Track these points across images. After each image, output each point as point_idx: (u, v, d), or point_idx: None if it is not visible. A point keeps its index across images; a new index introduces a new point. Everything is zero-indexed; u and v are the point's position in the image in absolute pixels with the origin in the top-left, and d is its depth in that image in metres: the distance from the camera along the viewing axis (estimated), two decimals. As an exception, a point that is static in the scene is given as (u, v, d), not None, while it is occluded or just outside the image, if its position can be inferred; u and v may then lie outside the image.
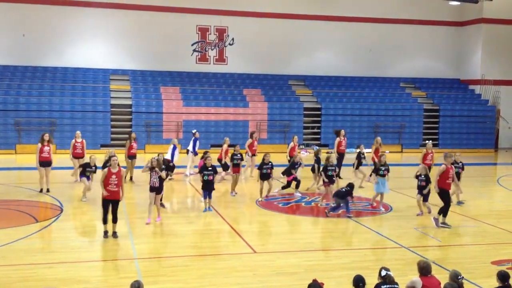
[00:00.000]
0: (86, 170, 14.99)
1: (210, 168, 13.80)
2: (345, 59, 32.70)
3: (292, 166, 16.20)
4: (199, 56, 30.93)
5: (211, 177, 13.73)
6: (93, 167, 15.03)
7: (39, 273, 8.97)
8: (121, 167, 11.32)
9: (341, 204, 13.56)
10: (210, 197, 13.96)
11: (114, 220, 11.18)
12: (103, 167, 14.40)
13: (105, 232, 11.19)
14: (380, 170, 14.37)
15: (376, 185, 14.55)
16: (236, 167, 16.23)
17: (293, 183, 16.09)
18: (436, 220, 12.57)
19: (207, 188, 13.85)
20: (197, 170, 17.62)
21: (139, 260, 9.82)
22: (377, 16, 32.34)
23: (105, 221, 11.17)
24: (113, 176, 11.03)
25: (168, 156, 17.95)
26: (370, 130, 29.70)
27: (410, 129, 30.68)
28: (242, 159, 16.82)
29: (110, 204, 11.12)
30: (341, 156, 18.50)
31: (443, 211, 12.55)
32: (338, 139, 18.66)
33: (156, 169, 12.57)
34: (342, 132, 18.90)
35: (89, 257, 10.23)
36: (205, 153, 14.96)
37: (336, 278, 9.04)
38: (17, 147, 25.54)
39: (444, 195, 12.49)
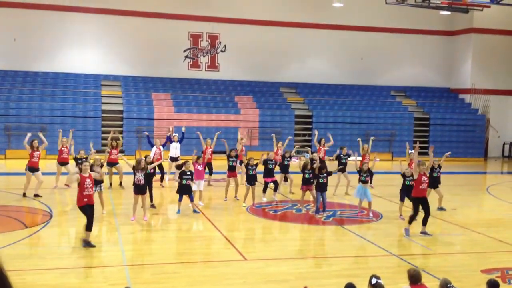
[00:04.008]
0: (77, 163, 14.86)
1: (188, 173, 14.06)
2: (337, 67, 32.86)
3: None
4: (191, 62, 30.94)
5: (189, 181, 14.03)
6: (84, 159, 14.64)
7: (28, 280, 8.89)
8: (91, 173, 11.26)
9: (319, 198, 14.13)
10: (192, 200, 14.23)
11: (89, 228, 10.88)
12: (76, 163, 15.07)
13: (89, 242, 10.85)
14: (361, 176, 14.52)
15: (356, 191, 14.75)
16: (232, 171, 16.25)
17: (271, 185, 16.24)
18: (406, 230, 12.59)
19: (185, 191, 14.08)
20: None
21: (129, 267, 9.77)
22: (369, 24, 32.56)
23: (88, 228, 10.85)
24: (88, 180, 10.95)
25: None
26: (361, 138, 29.68)
27: (401, 137, 30.77)
28: (236, 162, 16.84)
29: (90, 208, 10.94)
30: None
31: (412, 220, 12.57)
32: (318, 146, 19.15)
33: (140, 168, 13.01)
34: (322, 140, 19.25)
35: (78, 264, 10.16)
36: (198, 157, 15.16)
37: (327, 286, 9.04)
38: (7, 152, 25.37)
39: (415, 202, 12.54)
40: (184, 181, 13.99)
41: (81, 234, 11.62)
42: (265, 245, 11.97)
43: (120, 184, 17.72)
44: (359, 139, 19.26)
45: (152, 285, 8.92)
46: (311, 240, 12.66)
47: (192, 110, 28.47)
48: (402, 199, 14.30)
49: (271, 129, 29.03)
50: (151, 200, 14.61)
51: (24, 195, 15.70)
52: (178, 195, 14.24)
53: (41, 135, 17.00)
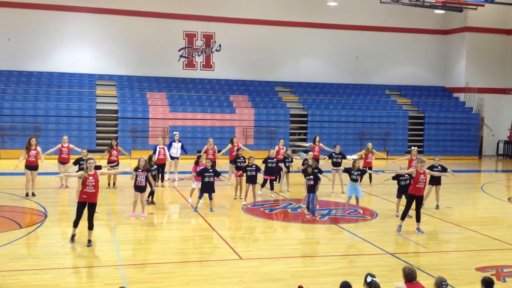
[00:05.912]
0: (80, 164, 14.93)
1: (210, 170, 14.28)
2: (331, 66, 32.89)
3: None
4: (186, 61, 30.91)
5: (212, 179, 14.21)
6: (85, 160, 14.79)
7: (23, 280, 8.87)
8: (97, 171, 11.27)
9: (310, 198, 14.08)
10: (211, 198, 14.40)
11: (90, 227, 10.89)
12: (75, 163, 15.54)
13: (73, 236, 11.01)
14: (352, 174, 14.53)
15: (348, 189, 14.79)
16: (240, 170, 16.35)
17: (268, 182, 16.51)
18: (399, 226, 12.78)
19: (207, 189, 14.25)
20: (182, 176, 17.76)
21: (124, 267, 9.76)
22: (363, 24, 32.59)
23: (76, 224, 10.94)
24: (91, 178, 10.90)
25: (168, 156, 18.39)
26: (356, 137, 29.89)
27: (395, 136, 30.89)
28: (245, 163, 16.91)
29: (86, 207, 10.91)
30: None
31: (404, 216, 12.74)
32: (312, 144, 19.43)
33: (141, 169, 13.25)
34: (317, 138, 19.54)
35: (73, 264, 10.15)
36: (199, 157, 15.13)
37: (322, 284, 9.06)
38: (1, 152, 25.27)
39: (410, 199, 12.61)
40: (206, 179, 14.17)
41: (80, 234, 11.60)
42: (260, 244, 11.98)
43: (114, 184, 17.71)
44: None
45: (147, 284, 8.92)
46: (306, 238, 12.67)
47: (187, 110, 28.46)
48: (399, 196, 14.34)
49: (266, 128, 29.10)
50: (152, 197, 14.81)
51: (27, 195, 15.73)
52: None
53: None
